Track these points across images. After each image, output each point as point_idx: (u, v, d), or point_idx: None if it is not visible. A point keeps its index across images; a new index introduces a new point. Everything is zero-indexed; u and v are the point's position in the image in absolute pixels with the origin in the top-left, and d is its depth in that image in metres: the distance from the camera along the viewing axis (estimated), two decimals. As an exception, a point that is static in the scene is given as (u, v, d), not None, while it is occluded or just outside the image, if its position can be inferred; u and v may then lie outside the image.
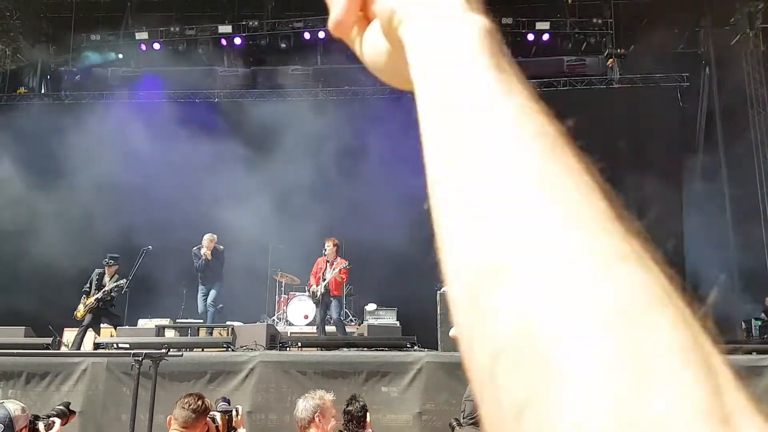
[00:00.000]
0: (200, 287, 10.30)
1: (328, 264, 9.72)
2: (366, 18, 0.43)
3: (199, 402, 3.30)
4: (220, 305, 10.24)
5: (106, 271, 9.32)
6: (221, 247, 10.41)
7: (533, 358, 0.27)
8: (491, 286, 0.30)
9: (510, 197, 0.31)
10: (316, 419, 3.74)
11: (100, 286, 9.22)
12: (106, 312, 9.15)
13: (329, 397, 4.17)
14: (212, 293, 10.16)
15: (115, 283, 9.16)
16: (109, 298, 9.15)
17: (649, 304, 0.27)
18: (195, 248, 10.33)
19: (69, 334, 9.16)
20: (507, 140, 0.32)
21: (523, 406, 0.27)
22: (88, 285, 9.31)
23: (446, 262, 0.33)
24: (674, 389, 0.25)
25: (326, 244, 9.78)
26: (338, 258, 9.80)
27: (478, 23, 0.36)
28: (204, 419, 3.34)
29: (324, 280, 9.61)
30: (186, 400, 3.29)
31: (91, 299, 9.08)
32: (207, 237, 10.31)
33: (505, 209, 0.31)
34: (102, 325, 9.41)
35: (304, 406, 3.79)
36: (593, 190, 0.31)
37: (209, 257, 10.06)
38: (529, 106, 0.33)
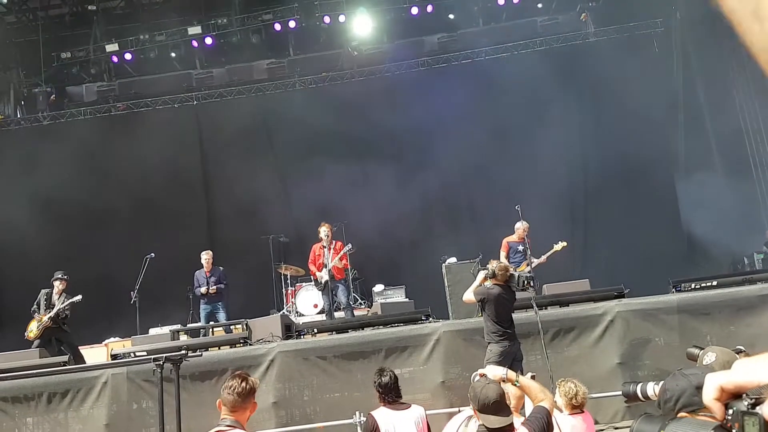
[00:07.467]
0: (202, 304, 10.05)
1: (325, 249, 9.66)
2: None
3: (243, 384, 3.27)
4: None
5: (55, 289, 8.97)
6: (221, 267, 10.19)
7: None
8: None
9: None
10: None
11: (49, 305, 8.88)
12: (58, 330, 8.84)
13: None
14: (221, 316, 9.89)
15: (69, 300, 8.81)
16: (63, 316, 8.82)
17: None
18: (197, 272, 10.12)
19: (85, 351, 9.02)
20: None
21: None
22: (35, 305, 8.97)
23: None
24: None
25: (321, 229, 9.71)
26: (334, 242, 9.76)
27: None
28: (252, 399, 3.31)
29: (326, 266, 9.58)
30: (230, 384, 3.26)
31: (44, 318, 8.77)
32: (204, 257, 10.06)
33: None
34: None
35: None
36: None
37: (213, 293, 9.88)
38: None
